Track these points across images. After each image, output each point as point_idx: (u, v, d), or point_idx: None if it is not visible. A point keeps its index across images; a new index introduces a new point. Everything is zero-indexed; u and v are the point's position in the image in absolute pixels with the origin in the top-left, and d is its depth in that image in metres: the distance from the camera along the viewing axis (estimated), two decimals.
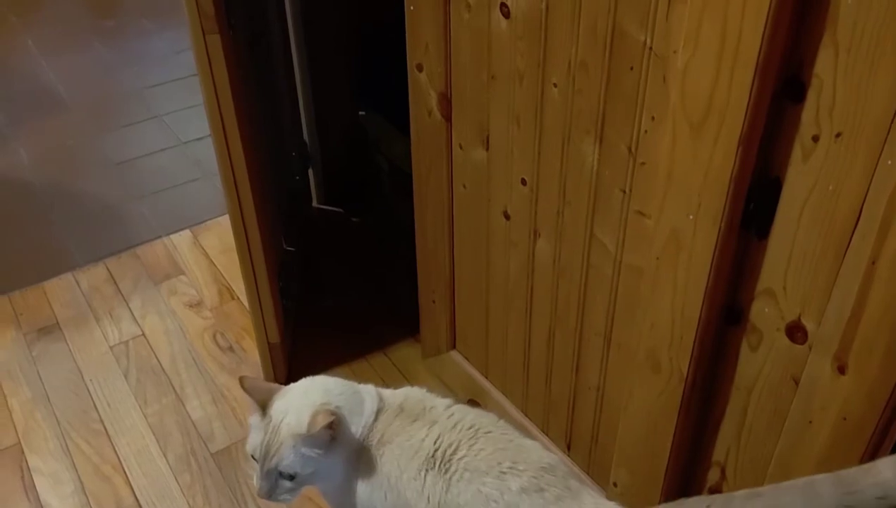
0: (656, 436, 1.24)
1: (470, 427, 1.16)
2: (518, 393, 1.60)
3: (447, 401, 1.23)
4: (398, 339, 1.96)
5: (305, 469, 1.13)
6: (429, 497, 1.13)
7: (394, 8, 1.51)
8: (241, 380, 1.19)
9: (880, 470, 0.78)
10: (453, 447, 1.14)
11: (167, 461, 1.69)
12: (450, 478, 1.12)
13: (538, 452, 1.15)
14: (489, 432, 1.16)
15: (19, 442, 1.74)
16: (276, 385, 1.21)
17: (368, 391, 1.24)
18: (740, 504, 0.87)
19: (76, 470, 1.68)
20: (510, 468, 1.10)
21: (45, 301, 2.10)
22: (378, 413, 1.20)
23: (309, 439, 1.11)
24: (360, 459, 1.18)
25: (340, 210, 2.43)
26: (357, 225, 2.38)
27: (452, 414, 1.19)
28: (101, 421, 1.79)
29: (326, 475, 1.17)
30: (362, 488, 1.19)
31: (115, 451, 1.72)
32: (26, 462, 1.70)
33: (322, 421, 1.10)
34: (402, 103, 1.60)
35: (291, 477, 1.14)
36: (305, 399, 1.16)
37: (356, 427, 1.17)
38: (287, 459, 1.12)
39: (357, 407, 1.19)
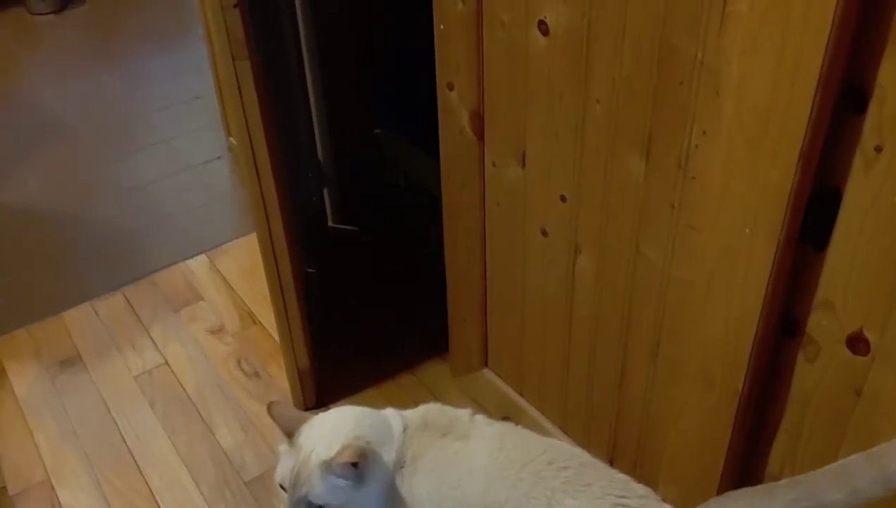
0: (708, 452, 1.23)
1: (499, 436, 1.18)
2: (556, 409, 1.58)
3: (468, 412, 1.24)
4: (425, 358, 1.94)
5: (335, 499, 1.12)
6: (470, 505, 1.13)
7: (410, 26, 1.51)
8: (269, 407, 1.18)
9: None
10: (486, 451, 1.15)
11: (201, 491, 1.67)
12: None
13: (571, 449, 1.18)
14: (516, 434, 1.20)
15: (49, 478, 1.71)
16: (305, 413, 1.20)
17: (390, 414, 1.24)
18: (782, 492, 0.91)
19: (109, 505, 1.65)
20: (549, 463, 1.11)
21: (64, 332, 2.08)
22: (405, 431, 1.20)
23: (337, 468, 1.10)
24: (397, 487, 1.17)
25: (356, 229, 2.42)
26: (374, 243, 2.36)
27: (480, 425, 1.21)
28: (131, 453, 1.76)
29: (359, 507, 1.15)
30: None
31: (147, 483, 1.69)
32: (57, 498, 1.67)
33: (348, 456, 1.09)
34: (419, 120, 1.59)
35: None
36: (336, 429, 1.16)
37: (389, 454, 1.17)
38: (317, 489, 1.11)
39: (387, 433, 1.19)
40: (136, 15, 3.73)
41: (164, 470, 1.72)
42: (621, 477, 1.12)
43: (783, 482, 0.92)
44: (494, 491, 1.12)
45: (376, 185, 2.36)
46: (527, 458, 1.13)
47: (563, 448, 1.18)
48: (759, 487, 0.96)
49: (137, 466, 1.73)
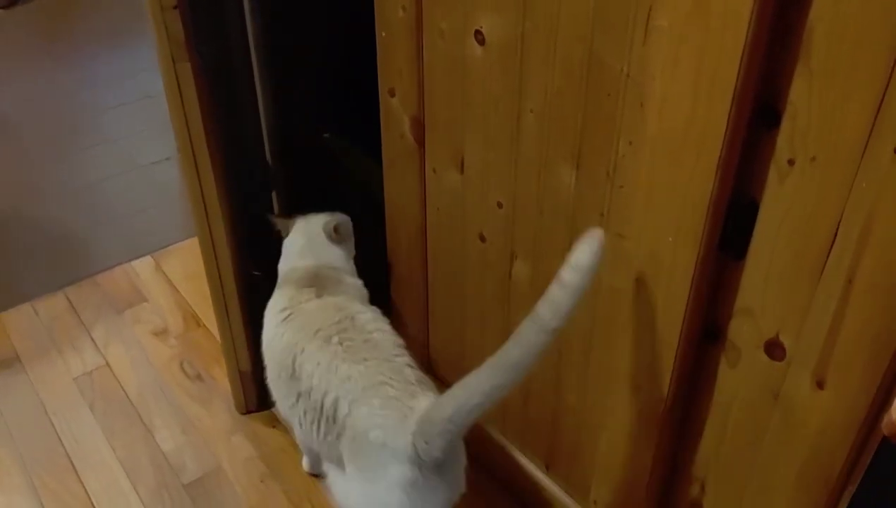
0: (637, 454, 1.26)
1: (323, 305, 1.40)
2: (495, 416, 1.60)
3: (352, 283, 1.51)
4: None
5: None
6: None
7: (358, 31, 1.52)
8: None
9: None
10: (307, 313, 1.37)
11: (138, 495, 1.66)
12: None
13: (375, 324, 1.35)
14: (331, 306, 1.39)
15: None
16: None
17: (334, 258, 1.53)
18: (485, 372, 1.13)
19: None
20: (338, 332, 1.29)
21: (2, 333, 2.05)
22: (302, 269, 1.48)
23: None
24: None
25: None
26: None
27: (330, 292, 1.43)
28: (68, 456, 1.74)
29: None
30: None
31: (84, 487, 1.68)
32: None
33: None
34: (366, 125, 1.60)
35: None
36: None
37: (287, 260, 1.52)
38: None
39: (305, 253, 1.53)
40: (87, 12, 3.68)
41: (102, 473, 1.70)
42: (401, 362, 1.25)
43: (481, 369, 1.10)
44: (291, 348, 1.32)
45: (324, 189, 2.36)
46: (323, 323, 1.30)
47: (362, 323, 1.32)
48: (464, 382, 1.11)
49: (74, 469, 1.72)
